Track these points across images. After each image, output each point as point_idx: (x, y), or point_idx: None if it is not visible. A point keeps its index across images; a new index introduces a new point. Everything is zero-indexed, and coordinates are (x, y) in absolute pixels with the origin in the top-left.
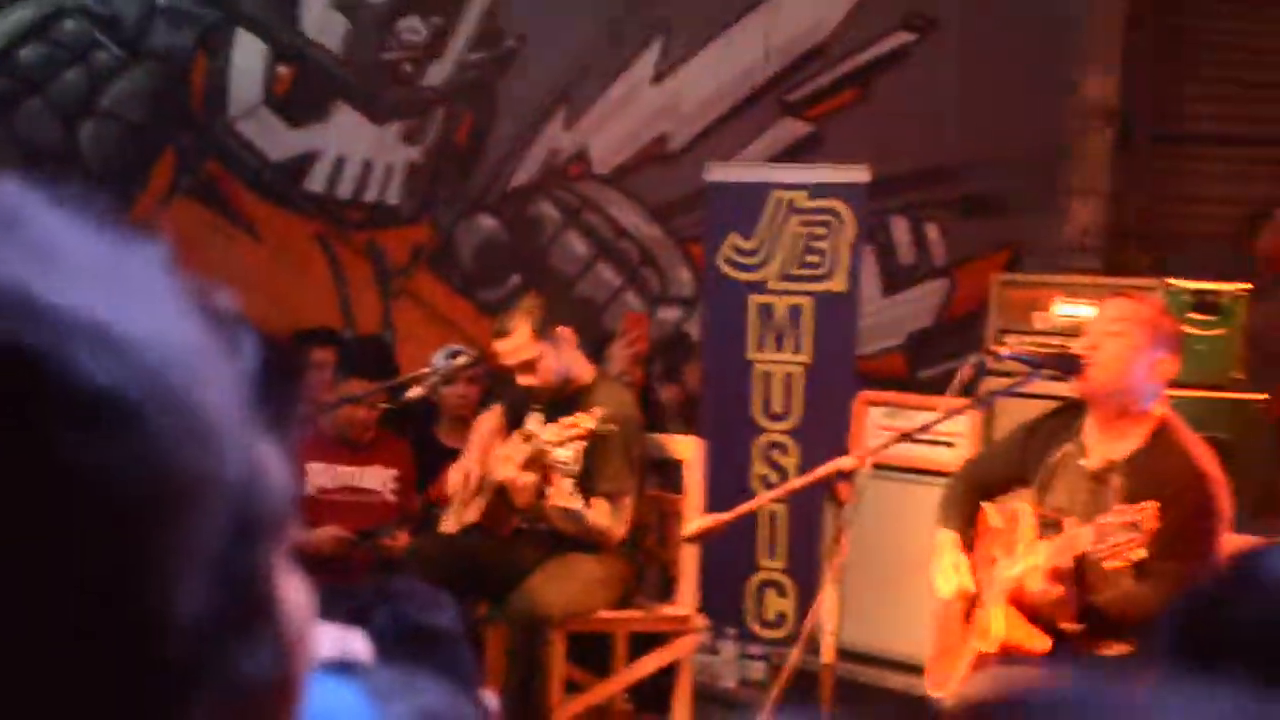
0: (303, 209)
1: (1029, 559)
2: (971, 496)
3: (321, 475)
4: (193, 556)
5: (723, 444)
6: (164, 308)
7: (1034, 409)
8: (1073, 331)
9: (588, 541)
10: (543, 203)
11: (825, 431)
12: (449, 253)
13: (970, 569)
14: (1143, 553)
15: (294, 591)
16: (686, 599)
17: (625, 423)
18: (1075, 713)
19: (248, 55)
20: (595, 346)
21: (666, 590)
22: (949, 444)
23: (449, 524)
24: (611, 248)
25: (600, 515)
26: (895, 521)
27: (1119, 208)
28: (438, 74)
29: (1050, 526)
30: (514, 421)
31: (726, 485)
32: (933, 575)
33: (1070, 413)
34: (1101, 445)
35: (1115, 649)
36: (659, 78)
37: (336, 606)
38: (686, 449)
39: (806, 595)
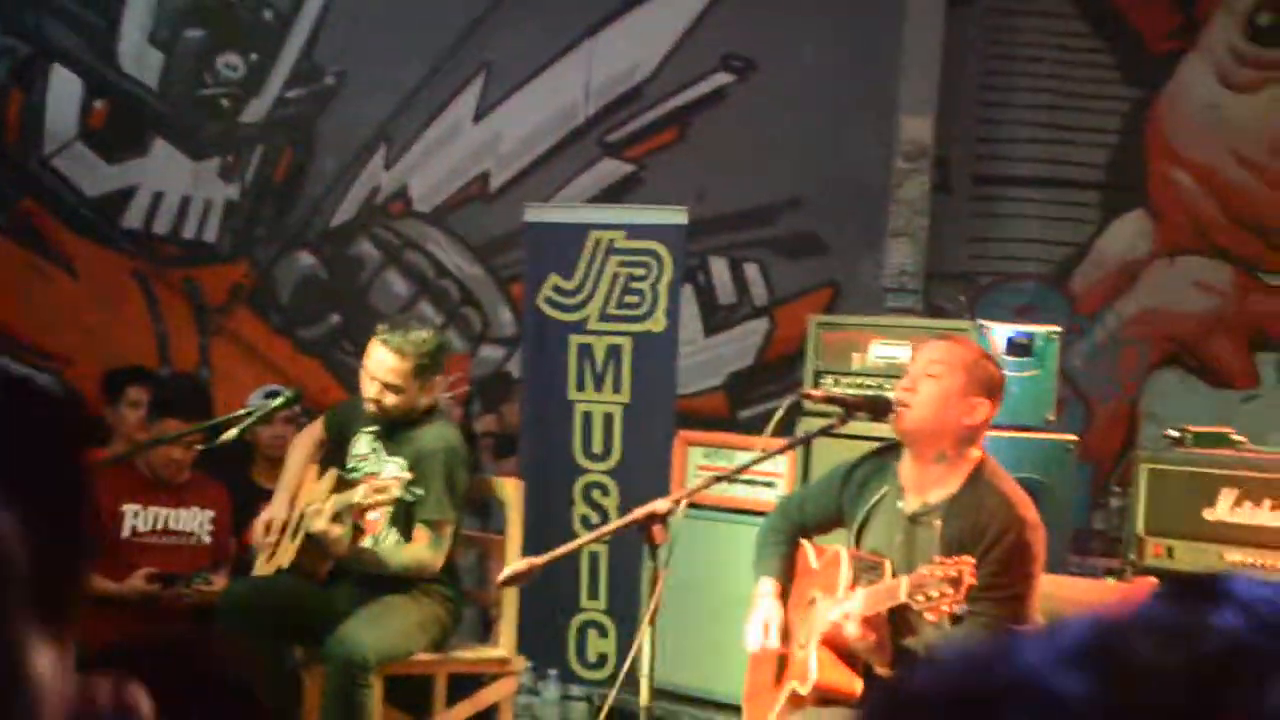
0: (120, 246)
1: (846, 603)
2: (789, 536)
3: (136, 517)
4: None
5: (543, 484)
6: None
7: (852, 449)
8: (890, 373)
9: (406, 576)
10: (363, 241)
11: (645, 471)
12: (267, 291)
13: (782, 624)
14: (960, 608)
15: (46, 662)
16: (506, 641)
17: (449, 452)
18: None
19: (63, 89)
20: None
21: (487, 631)
22: (767, 484)
23: (263, 566)
24: (432, 286)
25: (419, 546)
26: (714, 561)
27: (936, 249)
28: (256, 110)
29: (868, 569)
30: (336, 436)
31: (548, 526)
32: (746, 625)
33: (888, 454)
34: (918, 488)
35: None
36: (479, 116)
37: (123, 657)
38: (507, 490)
39: (627, 636)
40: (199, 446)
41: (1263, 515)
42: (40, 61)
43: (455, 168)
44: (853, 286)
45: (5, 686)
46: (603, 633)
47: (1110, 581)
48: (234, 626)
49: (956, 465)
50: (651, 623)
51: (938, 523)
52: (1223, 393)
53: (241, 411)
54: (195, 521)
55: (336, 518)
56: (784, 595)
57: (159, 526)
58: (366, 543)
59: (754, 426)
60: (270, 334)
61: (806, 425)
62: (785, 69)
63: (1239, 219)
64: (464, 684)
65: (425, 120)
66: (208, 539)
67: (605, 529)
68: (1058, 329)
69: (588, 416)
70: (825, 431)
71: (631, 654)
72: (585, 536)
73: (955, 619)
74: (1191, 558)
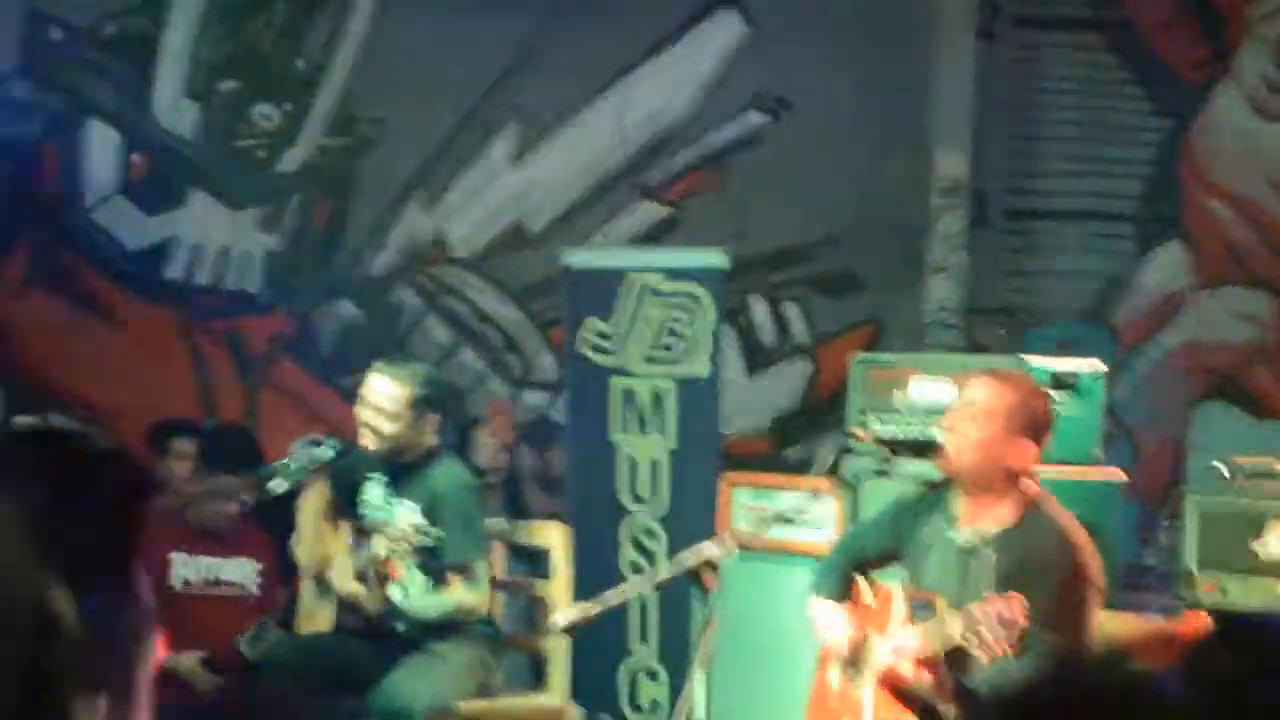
0: (161, 298)
1: (898, 641)
2: (847, 570)
3: (185, 566)
4: None
5: (589, 529)
6: None
7: (899, 488)
8: (934, 410)
9: (452, 623)
10: (403, 288)
11: (692, 514)
12: (309, 340)
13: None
14: (1011, 651)
15: None
16: (557, 687)
17: (462, 491)
18: None
19: (101, 144)
20: (459, 432)
21: (537, 679)
22: (815, 526)
23: (304, 625)
24: (473, 333)
25: (456, 591)
26: (763, 604)
27: (975, 284)
28: (293, 160)
29: (922, 608)
30: (344, 489)
31: (595, 570)
32: (820, 629)
33: (942, 488)
34: (971, 520)
35: None
36: (516, 161)
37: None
38: (553, 535)
39: (679, 680)
40: (246, 499)
41: None
42: (77, 116)
43: (492, 213)
44: (893, 323)
45: None
46: (654, 678)
47: (1163, 618)
48: (280, 684)
49: (1009, 497)
50: (703, 667)
51: (991, 555)
52: (1267, 423)
53: (287, 461)
54: (242, 572)
55: (360, 576)
56: None
57: (208, 577)
58: (394, 591)
59: (800, 466)
60: (313, 383)
61: (854, 465)
62: (818, 107)
63: (1276, 248)
64: None
65: (462, 167)
66: (256, 590)
67: (659, 577)
68: (1102, 366)
69: (632, 460)
70: (873, 472)
71: (683, 699)
72: (640, 583)
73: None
74: (1244, 593)
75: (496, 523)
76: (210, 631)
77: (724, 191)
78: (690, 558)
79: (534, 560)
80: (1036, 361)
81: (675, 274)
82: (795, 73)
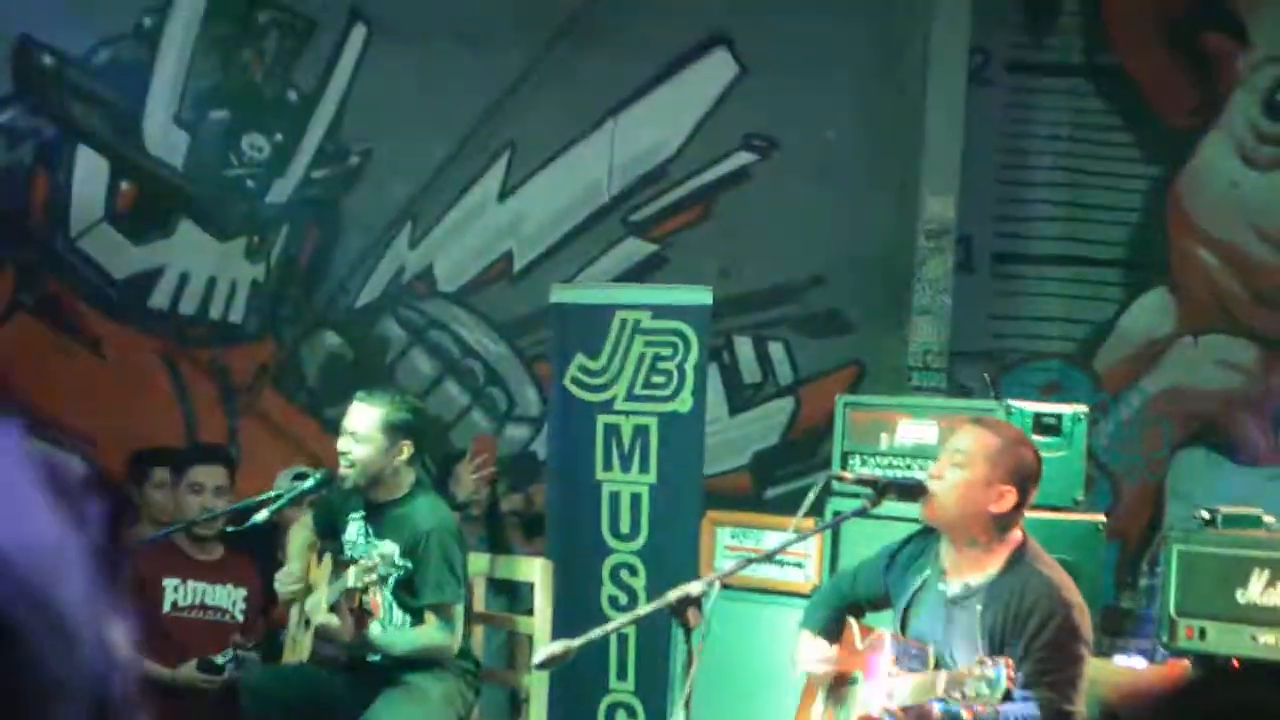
0: (147, 326)
1: (888, 688)
2: (838, 606)
3: (177, 591)
4: None
5: (572, 565)
6: (22, 508)
7: (882, 530)
8: (918, 453)
9: (422, 659)
10: (388, 320)
11: (673, 551)
12: (294, 371)
13: (836, 660)
14: (994, 710)
15: None
16: None
17: (442, 531)
18: None
19: (89, 171)
20: (442, 465)
21: (516, 714)
22: (797, 565)
23: (288, 653)
24: (458, 366)
25: (429, 630)
26: (744, 642)
27: (959, 327)
28: (281, 190)
29: (911, 656)
30: (326, 529)
31: (576, 607)
32: (800, 658)
33: (931, 535)
34: (958, 570)
35: None
36: (504, 196)
37: None
38: (535, 570)
39: (656, 717)
40: (229, 529)
41: None
42: (66, 143)
43: (480, 247)
44: (877, 365)
45: None
46: (631, 714)
47: (1143, 663)
48: (258, 714)
49: (994, 549)
50: (687, 705)
51: (978, 607)
52: (1249, 471)
53: (271, 494)
54: (229, 599)
55: (334, 608)
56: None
57: (198, 601)
58: (373, 627)
59: (780, 506)
60: (297, 414)
61: (836, 505)
62: (807, 148)
63: (1262, 296)
64: None
65: (450, 200)
66: (240, 617)
67: (640, 612)
68: (1085, 409)
69: (615, 496)
70: (857, 513)
71: None
72: (621, 619)
73: (1006, 697)
74: (1224, 639)
75: (477, 558)
76: (197, 651)
77: (712, 230)
78: (672, 594)
79: (515, 595)
80: (1019, 405)
81: (661, 311)
82: (785, 113)
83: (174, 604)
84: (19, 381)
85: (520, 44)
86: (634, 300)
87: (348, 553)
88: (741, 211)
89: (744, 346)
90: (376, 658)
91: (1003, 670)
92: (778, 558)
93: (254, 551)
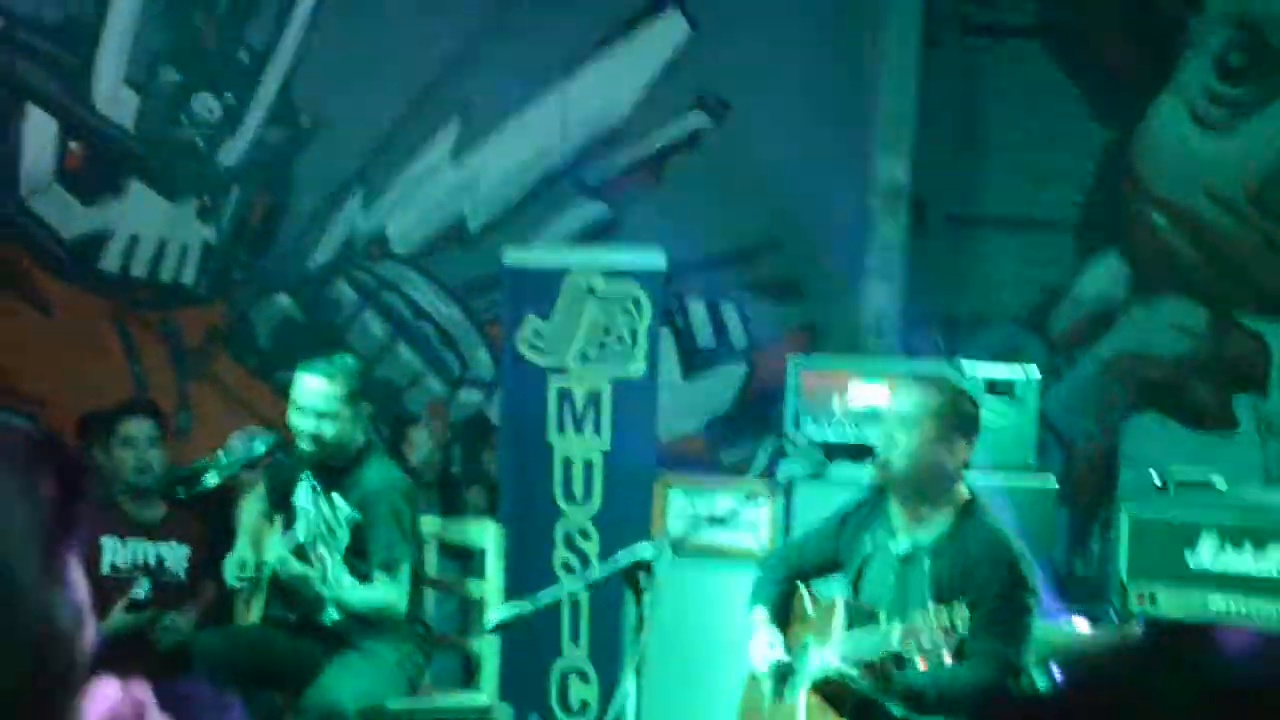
0: (97, 288)
1: (840, 649)
2: (785, 577)
3: (115, 553)
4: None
5: (524, 529)
6: None
7: (833, 493)
8: (869, 415)
9: (371, 619)
10: (340, 283)
11: (627, 516)
12: (245, 333)
13: (779, 641)
14: (950, 659)
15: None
16: (488, 687)
17: (393, 491)
18: None
19: (38, 131)
20: (395, 429)
21: (468, 678)
22: (749, 528)
23: (241, 615)
24: (411, 329)
25: (376, 589)
26: (697, 605)
27: (913, 290)
28: (233, 151)
29: (864, 616)
30: (279, 495)
31: (528, 570)
32: (750, 651)
33: (880, 497)
34: (908, 530)
35: None
36: (457, 157)
37: None
38: (487, 535)
39: (609, 681)
40: (180, 494)
41: (1245, 561)
42: (15, 103)
43: (432, 210)
44: (830, 328)
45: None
46: (585, 679)
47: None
48: (210, 676)
49: (944, 504)
50: (638, 670)
51: (928, 562)
52: (1201, 435)
53: (221, 456)
54: (173, 556)
55: (299, 553)
56: (781, 629)
57: (139, 561)
58: (315, 569)
59: (735, 469)
60: (248, 377)
61: (788, 468)
62: (761, 110)
63: (1215, 260)
64: None
65: (402, 162)
66: (183, 575)
67: (594, 575)
68: (1037, 371)
69: (568, 461)
70: (807, 476)
71: (615, 700)
72: (573, 583)
73: (956, 655)
74: (1175, 603)
75: (429, 521)
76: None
77: (664, 192)
78: (625, 557)
79: (466, 559)
80: (972, 367)
81: (614, 274)
82: (737, 74)
83: (112, 564)
84: None
85: (473, 4)
86: (587, 263)
87: (299, 517)
88: (694, 174)
89: (697, 310)
90: (330, 617)
91: (959, 620)
92: (730, 521)
93: (200, 507)
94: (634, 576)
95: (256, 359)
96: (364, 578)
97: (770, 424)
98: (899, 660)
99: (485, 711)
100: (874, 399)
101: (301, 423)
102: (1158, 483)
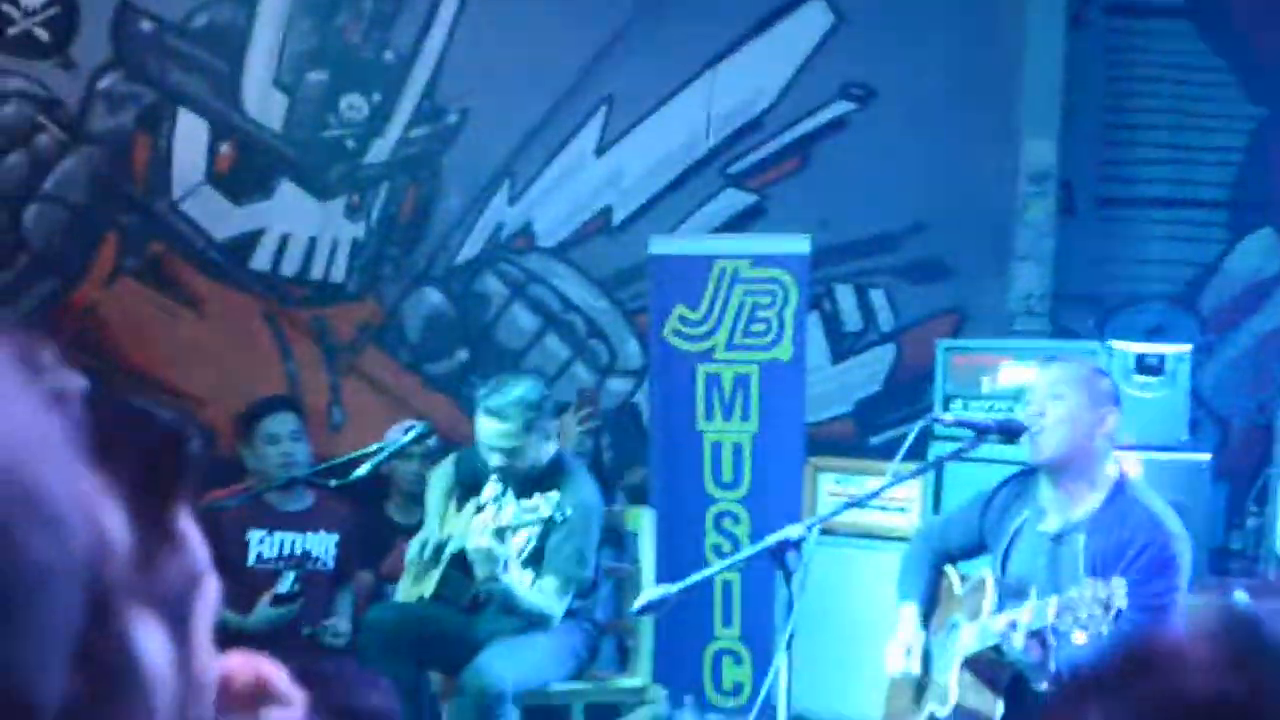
0: (248, 287)
1: (992, 625)
2: (932, 562)
3: (262, 544)
4: (49, 642)
5: (674, 514)
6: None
7: (982, 472)
8: (1019, 395)
9: (528, 619)
10: (488, 276)
11: (776, 499)
12: (395, 328)
13: (923, 649)
14: (1107, 629)
15: (157, 651)
16: (642, 670)
17: (585, 510)
18: None
19: (189, 134)
20: None
21: (623, 661)
22: (899, 509)
23: (404, 593)
24: (559, 320)
25: (545, 596)
26: (847, 586)
27: (1063, 271)
28: (380, 150)
29: (1014, 594)
30: (467, 481)
31: (680, 555)
32: (887, 648)
33: (1027, 477)
34: (1060, 507)
35: None
36: (602, 150)
37: None
38: (639, 520)
39: (762, 662)
40: (332, 483)
41: None
42: (166, 107)
43: (579, 202)
44: (978, 311)
45: (128, 685)
46: (738, 660)
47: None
48: (374, 652)
49: (1096, 482)
50: (787, 649)
51: (1081, 540)
52: None
53: (374, 446)
54: (321, 546)
55: (499, 534)
56: (927, 620)
57: (285, 552)
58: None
59: (884, 452)
60: (399, 371)
61: (938, 449)
62: (906, 95)
63: None
64: (601, 713)
65: (548, 156)
66: (331, 564)
67: (739, 556)
68: (1188, 348)
69: (717, 446)
70: (957, 455)
71: (768, 681)
72: (720, 564)
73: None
74: None
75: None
76: None
77: (811, 179)
78: (775, 540)
79: (619, 545)
80: (1123, 346)
81: (761, 260)
82: (883, 61)
83: (259, 556)
84: (124, 344)
85: None
86: (733, 250)
87: (498, 506)
88: (840, 160)
89: (845, 295)
90: (496, 590)
91: (1117, 592)
92: (880, 502)
93: (350, 495)
94: (783, 558)
95: (407, 353)
96: (538, 573)
97: (919, 406)
98: (1055, 634)
99: (641, 693)
100: (1023, 379)
101: (491, 458)
102: None
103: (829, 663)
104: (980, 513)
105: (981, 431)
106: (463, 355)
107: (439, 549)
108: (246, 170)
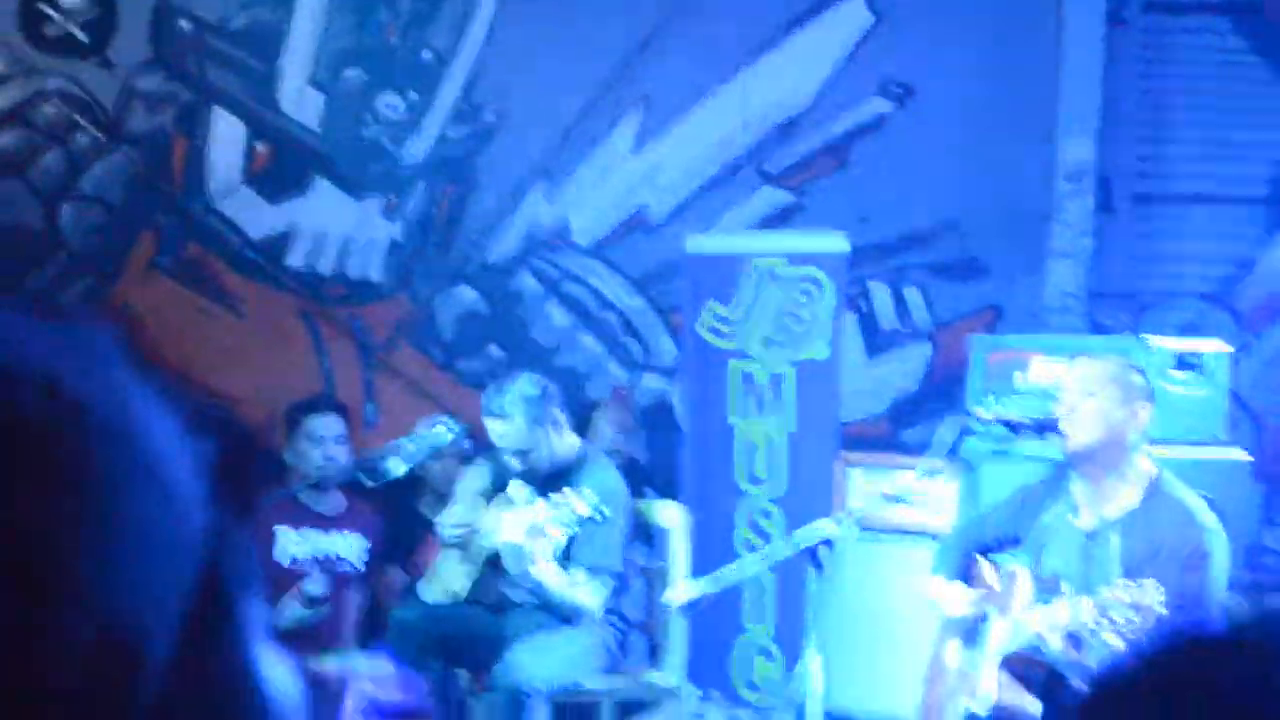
0: (284, 285)
1: (1027, 622)
2: (967, 551)
3: (293, 543)
4: (164, 607)
5: (706, 510)
6: (101, 364)
7: (1017, 469)
8: (1054, 392)
9: (563, 612)
10: (523, 274)
11: (809, 495)
12: (429, 326)
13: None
14: (1142, 631)
15: (278, 670)
16: (673, 665)
17: (611, 500)
18: None
19: (226, 133)
20: (579, 417)
21: (653, 656)
22: (932, 505)
23: (432, 592)
24: (593, 318)
25: (580, 590)
26: (880, 582)
27: (1100, 269)
28: (417, 149)
29: (1048, 590)
30: (499, 483)
31: (712, 550)
32: (941, 605)
33: (1062, 474)
34: (1094, 504)
35: None
36: (638, 149)
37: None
38: (671, 515)
39: (793, 659)
40: (365, 483)
41: None
42: (203, 106)
43: (614, 201)
44: (1014, 309)
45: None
46: (769, 656)
47: None
48: (404, 651)
49: (1130, 478)
50: (820, 647)
51: (1116, 539)
52: None
53: (407, 443)
54: (350, 549)
55: (531, 531)
56: None
57: (314, 555)
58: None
59: (918, 449)
60: (433, 369)
61: (972, 445)
62: (943, 94)
63: None
64: (631, 709)
65: (584, 154)
66: (361, 566)
67: (772, 553)
68: (1227, 346)
69: (750, 442)
70: (991, 452)
71: (798, 677)
72: (754, 560)
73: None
74: None
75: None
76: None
77: (847, 177)
78: (807, 536)
79: (651, 540)
80: (1160, 343)
81: (796, 258)
82: (921, 59)
83: (291, 557)
84: (161, 342)
85: None
86: (769, 248)
87: (530, 503)
88: (877, 159)
89: (881, 293)
90: (530, 585)
91: (1152, 596)
92: (914, 498)
93: (381, 497)
94: (816, 554)
95: (441, 351)
96: (570, 567)
97: (954, 403)
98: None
99: (671, 691)
100: (1057, 375)
101: (507, 460)
102: None
103: (859, 658)
104: (1014, 509)
105: (1014, 429)
106: (496, 353)
107: (474, 548)
108: (283, 169)
